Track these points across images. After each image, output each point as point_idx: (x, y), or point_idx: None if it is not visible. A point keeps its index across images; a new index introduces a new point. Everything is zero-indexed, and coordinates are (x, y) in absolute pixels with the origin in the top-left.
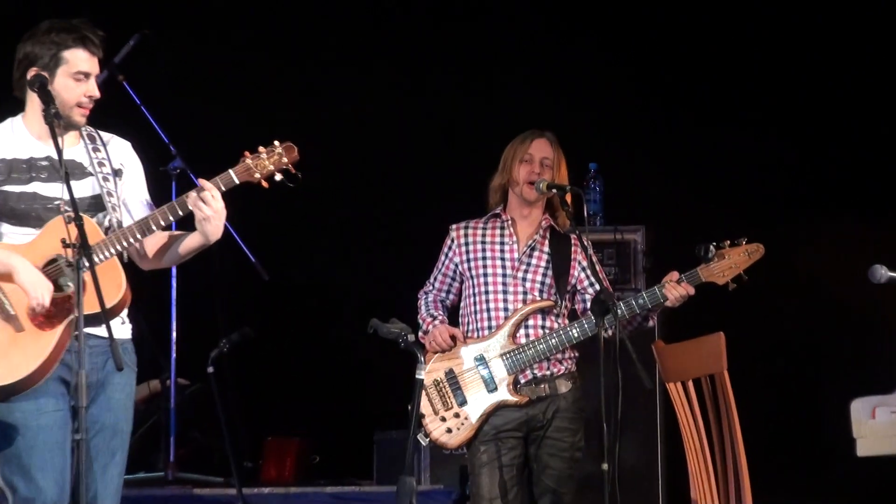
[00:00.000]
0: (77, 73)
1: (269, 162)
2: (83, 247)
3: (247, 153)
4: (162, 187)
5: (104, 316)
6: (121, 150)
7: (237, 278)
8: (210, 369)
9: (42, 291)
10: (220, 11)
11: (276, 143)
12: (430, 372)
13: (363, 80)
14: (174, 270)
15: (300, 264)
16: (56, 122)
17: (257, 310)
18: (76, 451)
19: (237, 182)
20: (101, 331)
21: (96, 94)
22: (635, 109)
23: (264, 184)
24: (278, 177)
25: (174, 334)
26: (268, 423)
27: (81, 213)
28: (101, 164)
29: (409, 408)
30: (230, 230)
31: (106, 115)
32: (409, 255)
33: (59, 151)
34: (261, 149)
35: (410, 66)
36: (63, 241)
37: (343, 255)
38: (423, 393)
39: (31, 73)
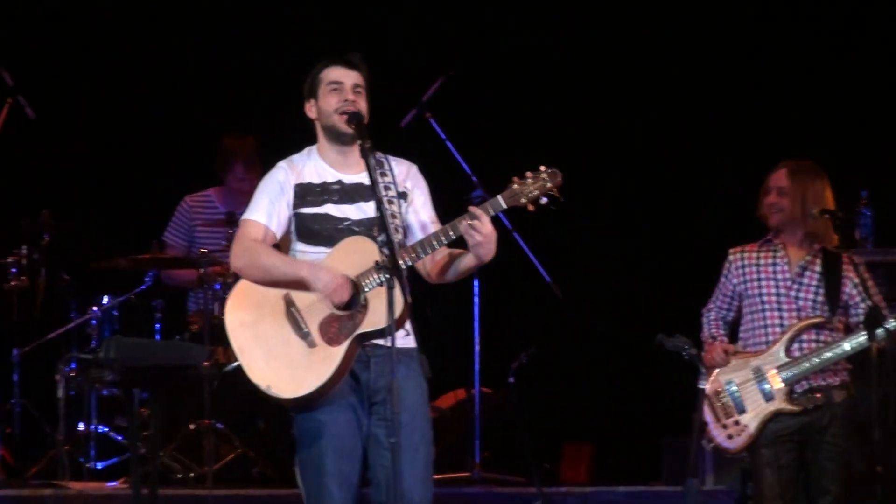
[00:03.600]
0: (331, 84)
1: (534, 187)
2: (393, 267)
3: (515, 178)
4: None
5: (392, 329)
6: (407, 174)
7: (534, 295)
8: (511, 379)
9: (338, 293)
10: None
11: (542, 168)
12: (712, 382)
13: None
14: (476, 288)
15: (590, 282)
16: (370, 154)
17: (552, 324)
18: (391, 453)
19: (504, 207)
20: (385, 341)
21: (350, 97)
22: None
23: (530, 207)
24: (543, 200)
25: (477, 347)
26: (563, 428)
27: (363, 234)
28: (387, 188)
29: (693, 416)
30: (528, 255)
31: (413, 149)
32: (691, 274)
33: (374, 181)
34: (528, 174)
35: None
36: (377, 262)
37: (630, 273)
38: (706, 402)
39: (307, 108)
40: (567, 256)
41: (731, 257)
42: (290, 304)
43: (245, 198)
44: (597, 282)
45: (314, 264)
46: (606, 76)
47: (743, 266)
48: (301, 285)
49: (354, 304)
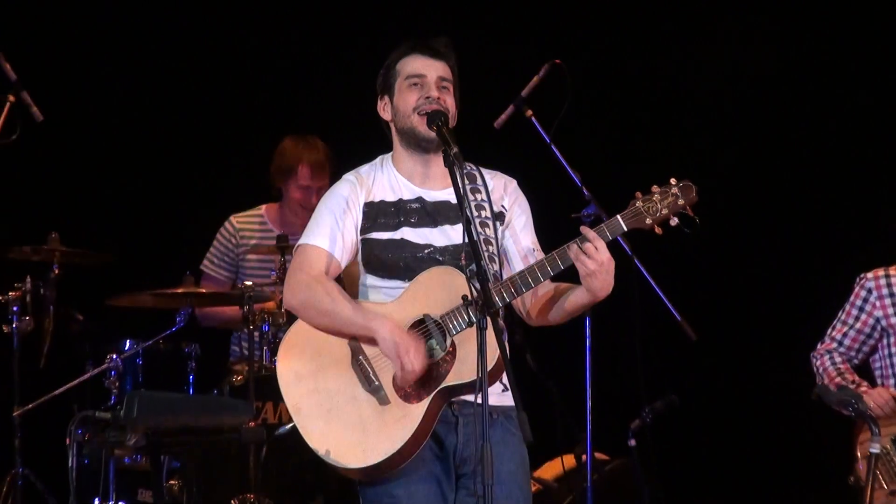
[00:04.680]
0: (411, 78)
1: (663, 205)
2: (487, 305)
3: (638, 194)
4: (573, 235)
5: (484, 382)
6: (504, 190)
7: (659, 338)
8: (632, 442)
9: (412, 357)
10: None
11: (673, 181)
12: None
13: None
14: (588, 330)
15: (729, 320)
16: (456, 164)
17: (682, 372)
18: None
19: (625, 229)
20: (476, 397)
21: (434, 93)
22: None
23: (657, 230)
24: (674, 221)
25: (589, 402)
26: (696, 496)
27: (449, 263)
28: (479, 207)
29: (851, 480)
30: (651, 284)
31: (511, 154)
32: (821, 311)
33: (462, 198)
34: (654, 188)
35: None
36: (466, 299)
37: (774, 309)
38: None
39: (380, 107)
40: (701, 289)
41: (869, 283)
42: (356, 351)
43: (307, 216)
44: (736, 320)
45: (379, 319)
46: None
47: (892, 295)
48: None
49: (437, 350)
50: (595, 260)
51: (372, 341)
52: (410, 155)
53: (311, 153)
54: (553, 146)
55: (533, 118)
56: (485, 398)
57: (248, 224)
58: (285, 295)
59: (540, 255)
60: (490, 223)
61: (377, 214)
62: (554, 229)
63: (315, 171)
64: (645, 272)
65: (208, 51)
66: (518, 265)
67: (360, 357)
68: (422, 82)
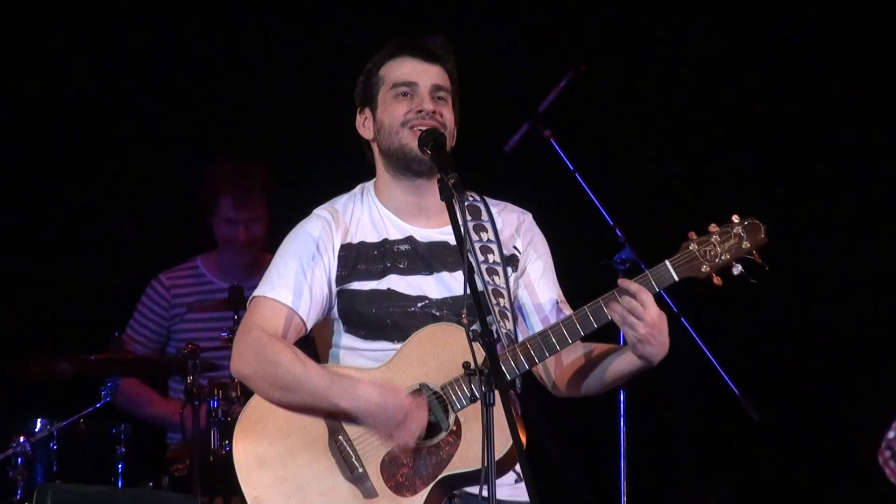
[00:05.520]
0: (398, 86)
1: (723, 248)
2: (496, 374)
3: (692, 235)
4: (605, 287)
5: (490, 470)
6: (517, 228)
7: (712, 416)
8: None
9: (407, 432)
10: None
11: (735, 218)
12: None
13: None
14: (622, 405)
15: (794, 394)
16: (455, 195)
17: (741, 461)
18: None
19: (676, 279)
20: (483, 490)
21: (428, 105)
22: None
23: (716, 280)
24: (736, 269)
25: (624, 499)
26: None
27: (449, 320)
28: (485, 250)
29: None
30: (704, 351)
31: (525, 183)
32: None
33: (464, 237)
34: (712, 227)
35: None
36: (465, 365)
37: (845, 377)
38: None
39: (359, 122)
40: (764, 356)
41: None
42: (335, 430)
43: (251, 256)
44: (807, 395)
45: (363, 385)
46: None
47: None
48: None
49: (437, 429)
50: (644, 321)
51: (353, 416)
52: (398, 182)
53: (233, 178)
54: (578, 174)
55: (552, 139)
56: (492, 492)
57: (181, 280)
58: (233, 362)
59: (566, 309)
60: (500, 270)
61: (357, 259)
62: (577, 280)
63: (239, 198)
64: (696, 336)
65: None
66: (537, 323)
67: (340, 437)
68: (412, 91)
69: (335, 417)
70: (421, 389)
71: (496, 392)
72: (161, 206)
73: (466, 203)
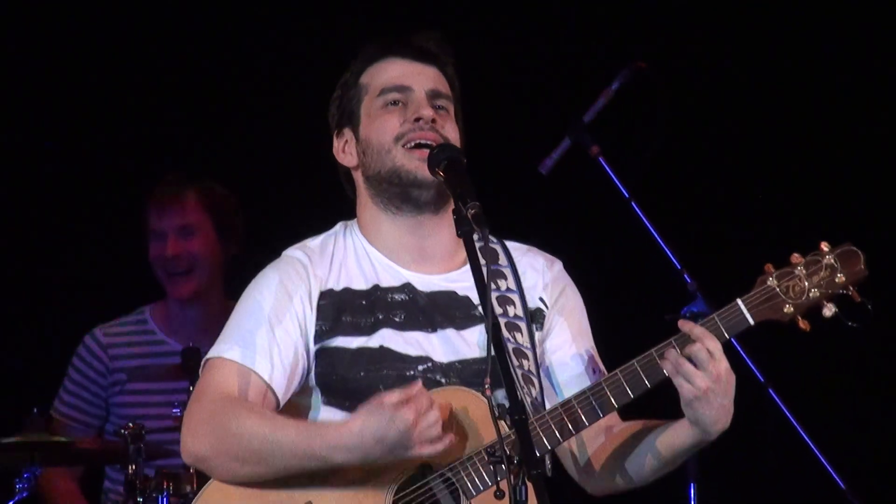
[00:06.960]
0: (387, 93)
1: (811, 282)
2: (526, 462)
3: (769, 267)
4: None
5: None
6: (543, 276)
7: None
8: None
9: (424, 435)
10: None
11: (825, 246)
12: None
13: None
14: (693, 500)
15: None
16: (477, 230)
17: None
18: None
19: (752, 323)
20: None
21: (427, 111)
22: None
23: (802, 324)
24: (829, 310)
25: None
26: None
27: (460, 386)
28: (505, 301)
29: None
30: (796, 428)
31: (560, 216)
32: None
33: (482, 286)
34: (795, 258)
35: None
36: (489, 450)
37: None
38: None
39: (337, 147)
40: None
41: None
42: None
43: (210, 310)
44: None
45: (350, 423)
46: None
47: None
48: (330, 474)
49: None
50: (708, 372)
51: (336, 490)
52: (391, 218)
53: (161, 185)
54: (634, 202)
55: (601, 158)
56: None
57: (123, 337)
58: (185, 442)
59: (603, 371)
60: (522, 326)
61: (341, 310)
62: (633, 342)
63: (166, 204)
64: (785, 409)
65: None
66: (565, 389)
67: None
68: (405, 98)
69: (308, 495)
70: (423, 472)
71: (529, 485)
72: (102, 247)
73: (479, 245)
